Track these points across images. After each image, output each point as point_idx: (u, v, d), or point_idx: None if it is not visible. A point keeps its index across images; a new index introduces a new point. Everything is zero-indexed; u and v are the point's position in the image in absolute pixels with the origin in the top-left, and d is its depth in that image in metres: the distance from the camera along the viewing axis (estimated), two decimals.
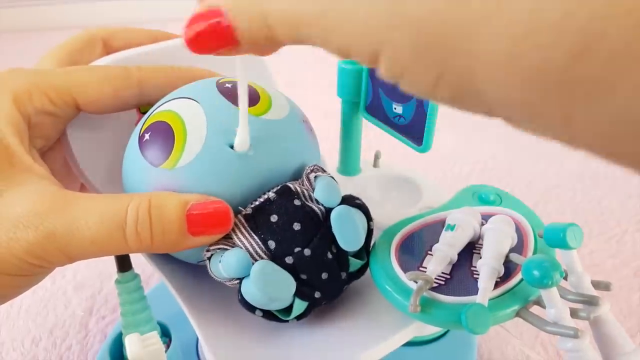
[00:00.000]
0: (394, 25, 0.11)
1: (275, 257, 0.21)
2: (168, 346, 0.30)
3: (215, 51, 0.14)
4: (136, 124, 0.24)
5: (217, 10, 0.14)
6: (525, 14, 0.09)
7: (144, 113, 0.24)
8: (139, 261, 0.26)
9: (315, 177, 0.22)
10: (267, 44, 0.14)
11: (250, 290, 0.20)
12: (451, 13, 0.10)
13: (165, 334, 0.31)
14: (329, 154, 0.32)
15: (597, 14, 0.09)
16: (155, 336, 0.23)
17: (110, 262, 0.25)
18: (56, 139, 0.25)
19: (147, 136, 0.22)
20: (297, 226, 0.21)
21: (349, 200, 0.23)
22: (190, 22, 0.14)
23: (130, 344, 0.22)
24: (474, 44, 0.10)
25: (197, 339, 0.32)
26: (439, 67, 0.11)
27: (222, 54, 0.15)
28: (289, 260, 0.21)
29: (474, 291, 0.21)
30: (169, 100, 0.23)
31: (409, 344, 0.32)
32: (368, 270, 0.24)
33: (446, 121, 0.39)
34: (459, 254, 0.23)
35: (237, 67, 0.19)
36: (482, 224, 0.24)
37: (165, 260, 0.25)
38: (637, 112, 0.09)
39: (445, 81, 0.11)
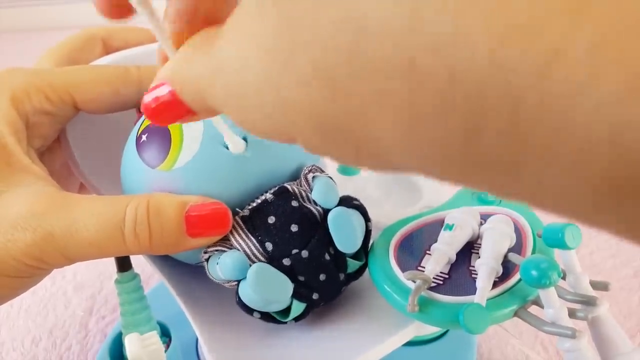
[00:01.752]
0: (292, 120, 0.11)
1: (273, 259, 0.21)
2: (168, 346, 0.30)
3: (176, 121, 0.14)
4: (135, 124, 0.24)
5: (163, 84, 0.14)
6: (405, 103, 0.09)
7: None
8: (138, 261, 0.26)
9: (313, 177, 0.22)
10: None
11: (248, 293, 0.20)
12: (339, 101, 0.10)
13: (165, 334, 0.31)
14: None
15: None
16: (155, 336, 0.23)
17: (110, 262, 0.25)
18: (55, 139, 0.25)
19: (144, 137, 0.22)
20: (294, 228, 0.21)
21: (347, 201, 0.23)
22: (147, 94, 0.14)
23: (130, 343, 0.22)
24: (369, 126, 0.10)
25: (197, 339, 0.32)
26: (352, 144, 0.10)
27: (186, 121, 0.14)
28: (286, 262, 0.21)
29: (472, 291, 0.21)
30: None
31: (409, 343, 0.31)
32: (367, 270, 0.24)
33: None
34: (458, 254, 0.23)
35: None
36: (481, 224, 0.24)
37: (165, 260, 0.25)
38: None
39: (364, 154, 0.11)
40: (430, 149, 0.09)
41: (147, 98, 0.14)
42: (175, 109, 0.14)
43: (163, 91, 0.13)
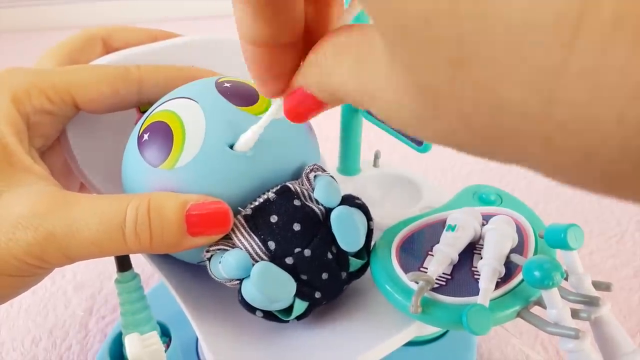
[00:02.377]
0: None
1: (275, 258, 0.21)
2: (168, 346, 0.30)
3: (313, 115, 0.16)
4: (136, 123, 0.24)
5: (300, 90, 0.16)
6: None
7: (144, 112, 0.24)
8: (138, 261, 0.26)
9: (315, 176, 0.22)
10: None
11: (251, 292, 0.20)
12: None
13: (165, 334, 0.31)
14: (329, 153, 0.32)
15: None
16: (155, 336, 0.23)
17: (110, 262, 0.25)
18: (55, 138, 0.25)
19: (145, 136, 0.22)
20: (297, 226, 0.21)
21: (349, 200, 0.23)
22: (287, 101, 0.16)
23: (130, 343, 0.22)
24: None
25: (197, 339, 0.32)
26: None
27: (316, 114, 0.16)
28: (289, 260, 0.21)
29: (475, 292, 0.21)
30: (168, 100, 0.23)
31: (409, 343, 0.32)
32: (369, 270, 0.24)
33: None
34: (460, 255, 0.23)
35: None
36: (483, 225, 0.24)
37: (165, 260, 0.25)
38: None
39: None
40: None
41: (290, 102, 0.16)
42: (315, 109, 0.16)
43: (302, 95, 0.15)
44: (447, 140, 0.11)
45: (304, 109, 0.16)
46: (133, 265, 0.26)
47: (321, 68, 0.15)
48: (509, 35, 0.08)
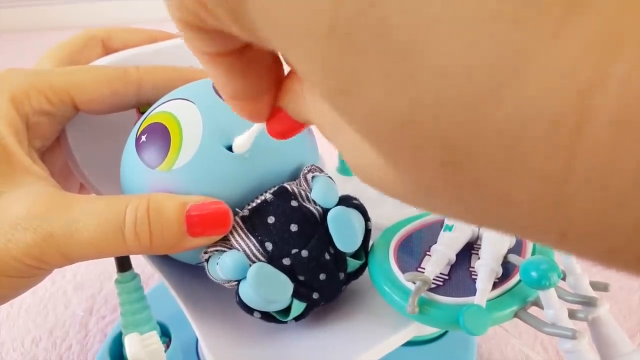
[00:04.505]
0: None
1: (273, 259, 0.21)
2: (168, 346, 0.30)
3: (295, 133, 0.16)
4: (135, 124, 0.24)
5: (281, 112, 0.15)
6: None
7: (143, 113, 0.24)
8: (138, 261, 0.26)
9: (313, 177, 0.22)
10: None
11: (248, 293, 0.21)
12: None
13: (165, 334, 0.31)
14: (329, 153, 0.32)
15: None
16: (154, 336, 0.23)
17: (110, 262, 0.25)
18: (55, 139, 0.25)
19: (143, 138, 0.22)
20: (294, 227, 0.21)
21: (347, 201, 0.23)
22: (269, 123, 0.15)
23: (130, 343, 0.22)
24: None
25: (197, 339, 0.32)
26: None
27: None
28: (286, 261, 0.21)
29: (472, 292, 0.21)
30: (166, 102, 0.23)
31: (408, 344, 0.31)
32: (367, 270, 0.24)
33: None
34: (458, 255, 0.23)
35: None
36: None
37: (165, 260, 0.25)
38: None
39: None
40: None
41: (273, 123, 0.15)
42: (296, 127, 0.15)
43: (283, 116, 0.15)
44: (445, 214, 0.11)
45: (284, 128, 0.15)
46: (133, 266, 0.26)
47: (296, 98, 0.14)
48: (504, 140, 0.07)
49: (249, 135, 0.21)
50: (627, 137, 0.07)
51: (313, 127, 0.25)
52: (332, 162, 0.36)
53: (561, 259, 0.22)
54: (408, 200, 0.11)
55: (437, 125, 0.08)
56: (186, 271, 0.25)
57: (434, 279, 0.22)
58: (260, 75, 0.13)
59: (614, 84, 0.06)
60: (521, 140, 0.07)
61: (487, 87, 0.07)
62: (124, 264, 0.26)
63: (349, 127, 0.10)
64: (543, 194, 0.08)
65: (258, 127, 0.20)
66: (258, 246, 0.21)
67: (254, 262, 0.21)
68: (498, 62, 0.07)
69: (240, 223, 0.21)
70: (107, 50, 0.29)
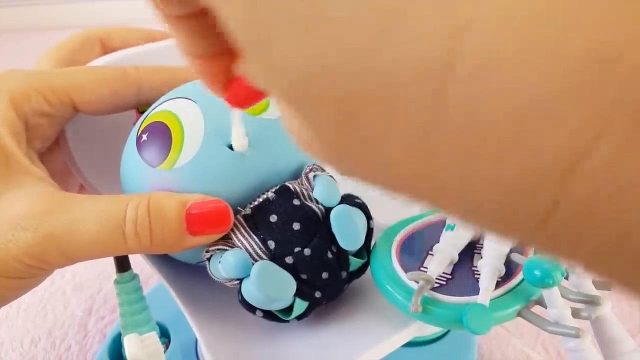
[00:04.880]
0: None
1: (275, 257, 0.21)
2: (167, 347, 0.30)
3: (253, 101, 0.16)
4: (134, 124, 0.24)
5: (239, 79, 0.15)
6: None
7: (143, 113, 0.24)
8: (138, 261, 0.25)
9: (315, 176, 0.22)
10: None
11: (251, 291, 0.20)
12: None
13: (164, 335, 0.31)
14: None
15: None
16: (154, 336, 0.23)
17: (109, 263, 0.25)
18: (54, 140, 0.25)
19: (144, 137, 0.22)
20: (296, 226, 0.21)
21: (349, 200, 0.23)
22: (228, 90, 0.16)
23: (129, 344, 0.22)
24: None
25: (197, 340, 0.32)
26: None
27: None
28: (289, 260, 0.21)
29: (475, 291, 0.21)
30: (166, 101, 0.23)
31: (410, 344, 0.31)
32: (369, 269, 0.24)
33: None
34: (460, 254, 0.23)
35: None
36: None
37: (164, 261, 0.25)
38: None
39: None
40: None
41: (231, 91, 0.16)
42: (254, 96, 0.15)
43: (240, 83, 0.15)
44: (358, 178, 0.10)
45: (241, 96, 0.15)
46: (132, 266, 0.26)
47: None
48: (383, 90, 0.08)
49: (236, 129, 0.20)
50: (494, 75, 0.07)
51: None
52: None
53: None
54: (332, 163, 0.11)
55: (334, 76, 0.08)
56: (185, 271, 0.25)
57: (436, 278, 0.22)
58: (218, 36, 0.14)
59: (477, 27, 0.07)
60: (396, 88, 0.07)
61: (375, 32, 0.07)
62: (123, 264, 0.25)
63: (260, 82, 0.10)
64: (413, 146, 0.08)
65: (238, 119, 0.20)
66: (260, 245, 0.21)
67: (256, 260, 0.21)
68: (381, 10, 0.07)
69: (243, 222, 0.21)
70: (106, 49, 0.29)
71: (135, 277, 0.26)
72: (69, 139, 0.26)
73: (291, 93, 0.09)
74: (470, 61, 0.07)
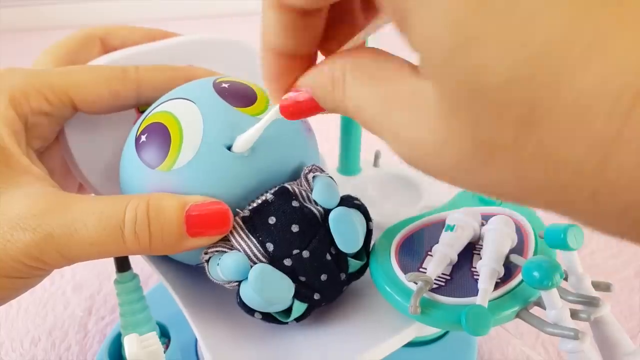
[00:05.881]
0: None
1: (274, 260, 0.21)
2: (167, 347, 0.30)
3: (307, 116, 0.17)
4: (134, 124, 0.24)
5: (302, 91, 0.16)
6: None
7: (143, 112, 0.24)
8: (138, 262, 0.25)
9: (314, 177, 0.22)
10: None
11: (249, 294, 0.20)
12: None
13: (164, 335, 0.31)
14: (329, 153, 0.32)
15: None
16: (154, 336, 0.23)
17: (109, 263, 0.25)
18: (53, 139, 0.25)
19: (143, 138, 0.22)
20: (295, 228, 0.21)
21: (348, 201, 0.23)
22: (287, 99, 0.17)
23: (129, 344, 0.22)
24: None
25: (196, 340, 0.32)
26: None
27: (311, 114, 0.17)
28: (287, 262, 0.21)
29: (474, 292, 0.21)
30: (166, 101, 0.22)
31: (409, 344, 0.31)
32: (368, 270, 0.24)
33: None
34: (459, 255, 0.23)
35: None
36: (482, 225, 0.24)
37: (164, 261, 0.25)
38: None
39: None
40: None
41: (289, 100, 0.17)
42: (312, 110, 0.16)
43: (303, 96, 0.16)
44: (490, 189, 0.12)
45: (300, 109, 0.16)
46: (132, 266, 0.26)
47: (334, 81, 0.15)
48: (576, 106, 0.09)
49: (250, 135, 0.20)
50: None
51: (313, 127, 0.25)
52: (332, 162, 0.36)
53: (563, 259, 0.22)
54: (460, 171, 0.12)
55: (531, 85, 0.10)
56: (185, 272, 0.25)
57: (435, 280, 0.22)
58: (304, 43, 0.15)
59: None
60: (590, 105, 0.09)
61: (579, 57, 0.09)
62: (123, 264, 0.26)
63: (435, 87, 0.12)
64: (593, 153, 0.09)
65: (259, 129, 0.20)
66: (259, 247, 0.21)
67: (255, 262, 0.21)
68: (583, 37, 0.09)
69: (241, 223, 0.21)
70: (106, 48, 0.29)
71: (135, 277, 0.26)
72: (68, 139, 0.26)
73: (480, 98, 0.10)
74: None
